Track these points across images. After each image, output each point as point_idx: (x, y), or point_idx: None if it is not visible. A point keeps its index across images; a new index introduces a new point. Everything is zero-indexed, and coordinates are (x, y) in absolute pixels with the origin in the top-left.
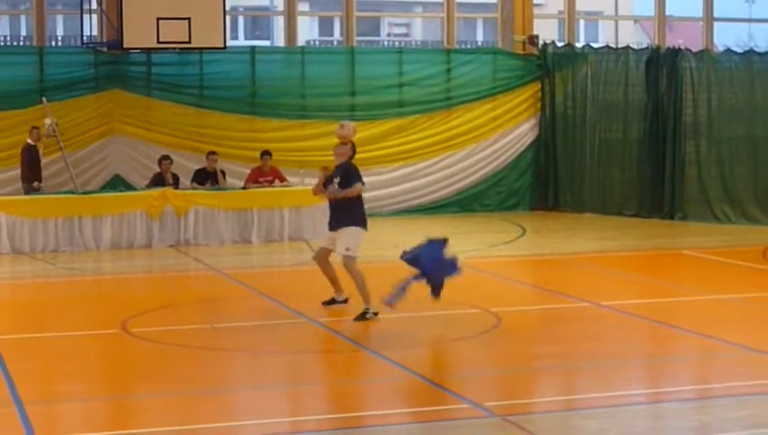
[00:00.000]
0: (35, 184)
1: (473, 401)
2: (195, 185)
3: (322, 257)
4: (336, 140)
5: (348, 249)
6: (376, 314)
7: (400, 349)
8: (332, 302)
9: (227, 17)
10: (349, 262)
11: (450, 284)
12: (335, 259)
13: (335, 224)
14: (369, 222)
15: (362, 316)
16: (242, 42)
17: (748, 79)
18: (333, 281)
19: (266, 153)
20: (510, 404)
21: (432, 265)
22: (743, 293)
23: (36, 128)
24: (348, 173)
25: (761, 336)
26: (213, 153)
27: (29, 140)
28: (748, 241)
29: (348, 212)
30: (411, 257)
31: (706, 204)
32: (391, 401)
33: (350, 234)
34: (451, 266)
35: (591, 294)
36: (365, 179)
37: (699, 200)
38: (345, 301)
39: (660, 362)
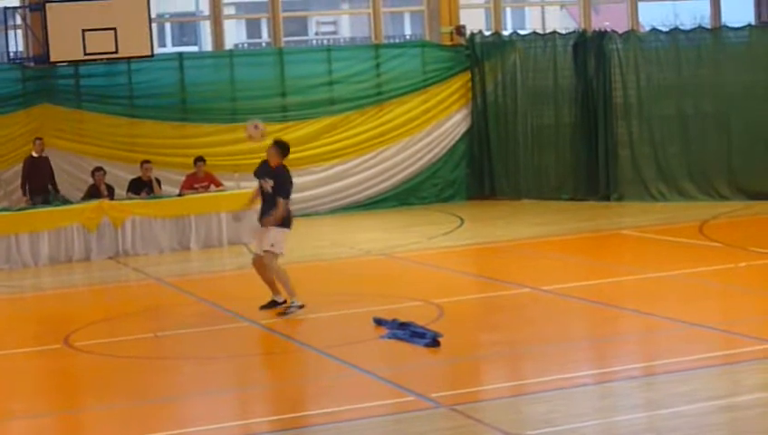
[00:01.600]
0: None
1: (419, 392)
2: (130, 195)
3: (258, 262)
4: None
5: (272, 245)
6: (301, 306)
7: (344, 346)
8: (272, 304)
9: (154, 25)
10: (270, 259)
11: (391, 278)
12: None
13: (263, 220)
14: (307, 221)
15: (286, 310)
16: (170, 48)
17: (675, 57)
18: (271, 284)
19: (200, 159)
20: (456, 394)
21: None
22: (682, 269)
23: (39, 139)
24: (284, 181)
25: (702, 311)
26: (146, 162)
27: (33, 153)
28: (684, 218)
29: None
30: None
31: (641, 183)
32: (338, 399)
33: (275, 233)
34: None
35: (532, 279)
36: (299, 180)
37: (634, 180)
38: (284, 302)
39: (604, 343)
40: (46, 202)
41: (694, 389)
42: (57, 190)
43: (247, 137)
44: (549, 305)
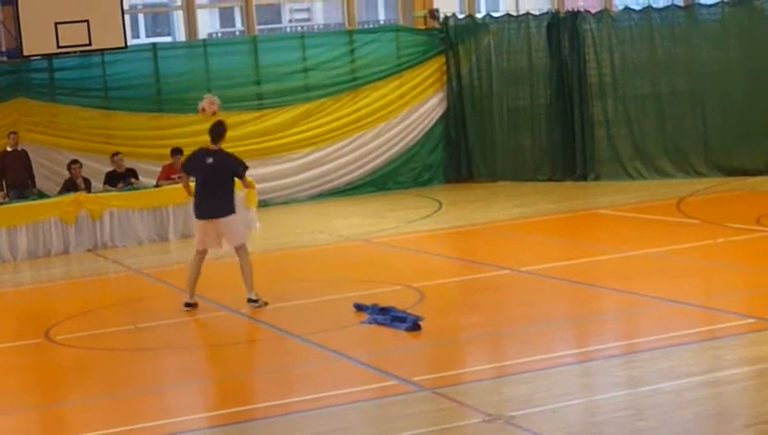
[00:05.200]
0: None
1: (401, 376)
2: (107, 187)
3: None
4: (249, 129)
5: None
6: (188, 304)
7: (325, 332)
8: (248, 301)
9: (126, 16)
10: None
11: (370, 263)
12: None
13: None
14: (286, 209)
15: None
16: (143, 39)
17: (648, 36)
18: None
19: (177, 151)
20: (439, 377)
21: (385, 319)
22: (661, 246)
23: (14, 133)
24: None
25: (681, 287)
26: (116, 154)
27: (8, 148)
28: (662, 195)
29: None
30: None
31: (618, 162)
32: (321, 385)
33: None
34: (407, 322)
35: (511, 260)
36: (276, 167)
37: (611, 159)
38: (257, 301)
39: (585, 322)
40: (22, 197)
41: (675, 365)
42: (34, 185)
43: (200, 109)
44: (529, 286)
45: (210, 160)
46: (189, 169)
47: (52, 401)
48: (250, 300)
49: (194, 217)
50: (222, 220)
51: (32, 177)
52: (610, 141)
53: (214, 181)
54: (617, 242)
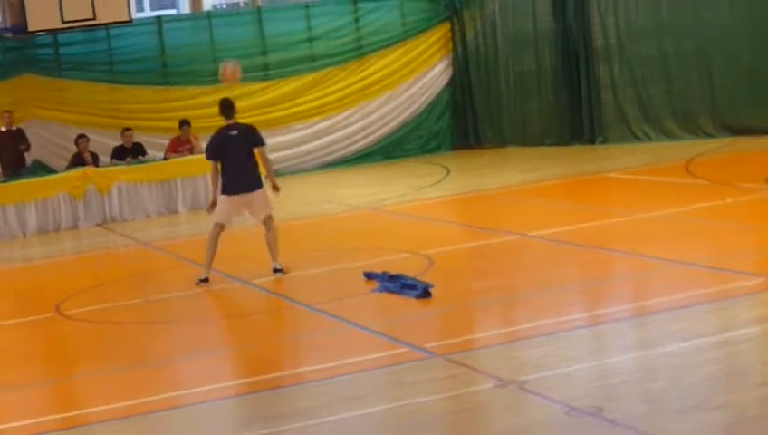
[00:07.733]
0: None
1: (413, 344)
2: (115, 162)
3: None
4: (256, 100)
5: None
6: (202, 280)
7: (335, 301)
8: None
9: None
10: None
11: (379, 231)
12: (261, 226)
13: None
14: (293, 178)
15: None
16: (148, 12)
17: None
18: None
19: (185, 123)
20: (450, 343)
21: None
22: (671, 208)
23: (8, 112)
24: None
25: (692, 249)
26: (127, 129)
27: (2, 127)
28: (670, 157)
29: None
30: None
31: (625, 125)
32: (332, 354)
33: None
34: (417, 289)
35: (521, 225)
36: (283, 138)
37: (618, 122)
38: (280, 269)
39: (595, 285)
40: (17, 175)
41: (686, 326)
42: (23, 165)
43: (222, 71)
44: (539, 251)
45: (235, 133)
46: (217, 151)
47: (65, 374)
48: (276, 269)
49: (220, 193)
50: (255, 194)
51: (22, 155)
52: (617, 104)
53: (242, 154)
54: (626, 205)
